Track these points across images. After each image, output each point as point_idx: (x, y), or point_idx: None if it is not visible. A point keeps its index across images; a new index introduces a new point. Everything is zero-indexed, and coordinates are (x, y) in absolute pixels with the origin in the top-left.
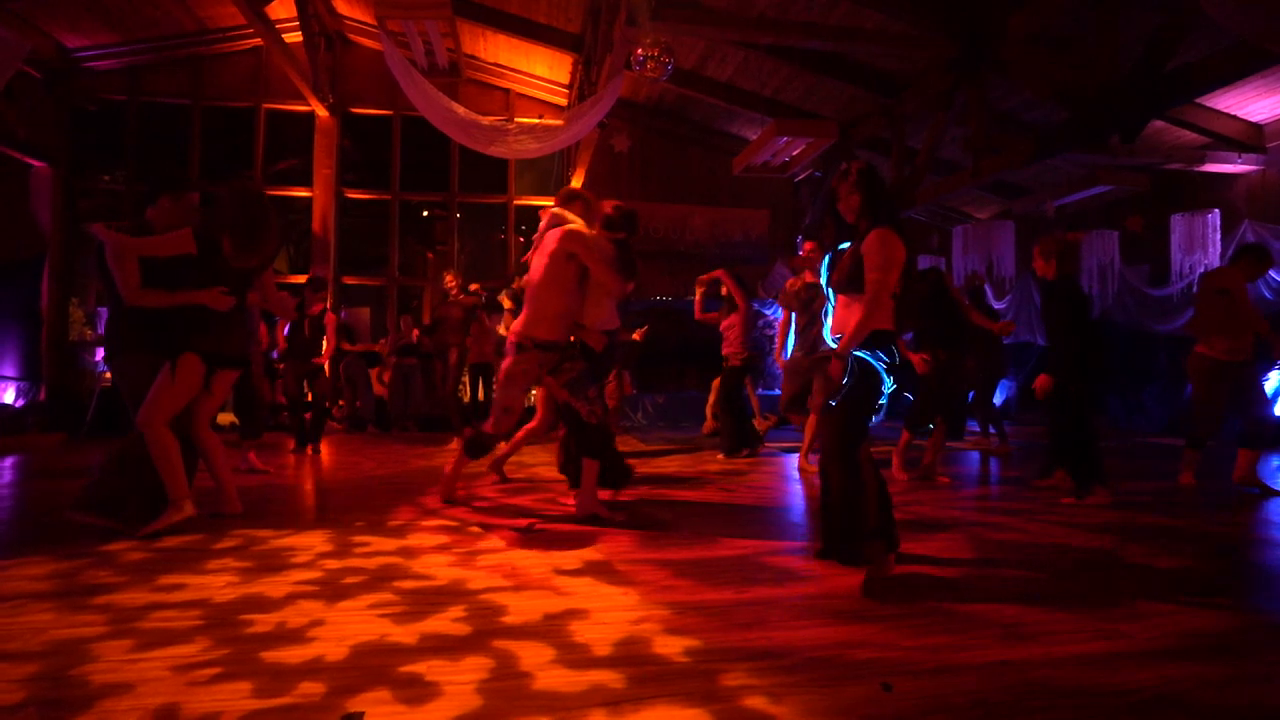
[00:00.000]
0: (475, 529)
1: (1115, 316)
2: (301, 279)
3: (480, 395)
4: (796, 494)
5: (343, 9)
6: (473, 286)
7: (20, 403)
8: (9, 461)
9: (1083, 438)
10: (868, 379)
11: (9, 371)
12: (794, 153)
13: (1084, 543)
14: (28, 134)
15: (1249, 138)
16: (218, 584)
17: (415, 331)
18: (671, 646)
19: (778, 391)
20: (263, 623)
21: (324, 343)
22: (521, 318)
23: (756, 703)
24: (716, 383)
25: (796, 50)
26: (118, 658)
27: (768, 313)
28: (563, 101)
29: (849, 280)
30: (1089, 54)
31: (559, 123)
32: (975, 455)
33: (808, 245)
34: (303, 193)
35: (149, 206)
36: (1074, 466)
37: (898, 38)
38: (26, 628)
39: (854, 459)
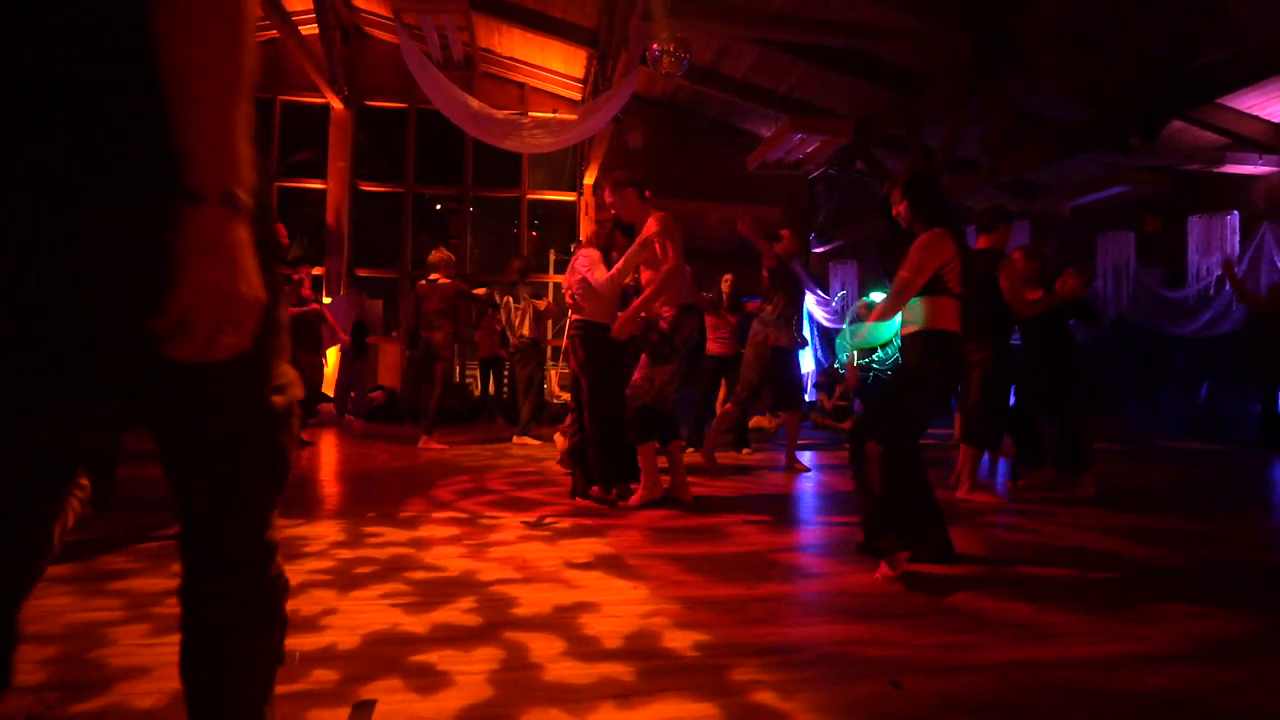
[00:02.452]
0: (486, 521)
1: (1130, 318)
2: (319, 270)
3: (490, 389)
4: (808, 491)
5: (359, 2)
6: (478, 291)
7: None
8: None
9: (1026, 423)
10: (911, 378)
11: None
12: (808, 150)
13: (1098, 544)
14: None
15: (1270, 139)
16: None
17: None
18: (682, 641)
19: None
20: None
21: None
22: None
23: (766, 698)
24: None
25: (812, 47)
26: (135, 642)
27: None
28: (577, 96)
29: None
30: (1108, 52)
31: (573, 118)
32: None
33: (786, 232)
34: (317, 185)
35: None
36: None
37: (913, 34)
38: (46, 611)
39: (896, 460)
